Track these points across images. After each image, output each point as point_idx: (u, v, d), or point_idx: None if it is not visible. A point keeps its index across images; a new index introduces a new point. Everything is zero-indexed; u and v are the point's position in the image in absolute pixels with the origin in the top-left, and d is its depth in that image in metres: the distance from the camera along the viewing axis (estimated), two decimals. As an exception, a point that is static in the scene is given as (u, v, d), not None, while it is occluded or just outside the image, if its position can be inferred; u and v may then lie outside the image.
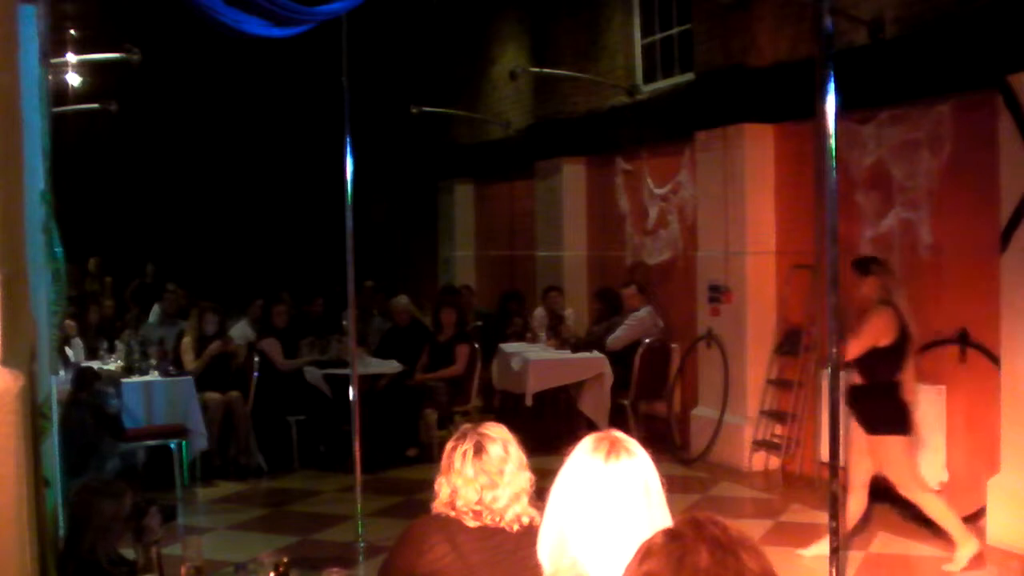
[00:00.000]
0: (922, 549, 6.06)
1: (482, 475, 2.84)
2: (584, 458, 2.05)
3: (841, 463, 4.98)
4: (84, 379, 7.02)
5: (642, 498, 2.00)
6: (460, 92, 13.32)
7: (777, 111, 7.87)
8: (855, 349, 5.51)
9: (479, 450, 2.86)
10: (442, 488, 2.89)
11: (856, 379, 5.67)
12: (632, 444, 2.07)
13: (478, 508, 2.85)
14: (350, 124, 6.22)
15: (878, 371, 5.57)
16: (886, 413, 5.56)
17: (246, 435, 8.34)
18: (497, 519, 2.85)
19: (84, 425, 6.66)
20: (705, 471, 8.12)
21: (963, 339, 6.35)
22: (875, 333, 5.52)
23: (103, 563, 3.75)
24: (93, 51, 9.77)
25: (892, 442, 5.59)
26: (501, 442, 2.89)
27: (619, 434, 2.10)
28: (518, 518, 2.86)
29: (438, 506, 2.90)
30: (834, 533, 4.78)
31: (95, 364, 8.25)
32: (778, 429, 7.99)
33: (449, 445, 2.93)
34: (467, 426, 3.00)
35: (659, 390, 9.05)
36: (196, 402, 7.95)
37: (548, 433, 7.47)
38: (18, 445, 2.70)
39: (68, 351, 8.27)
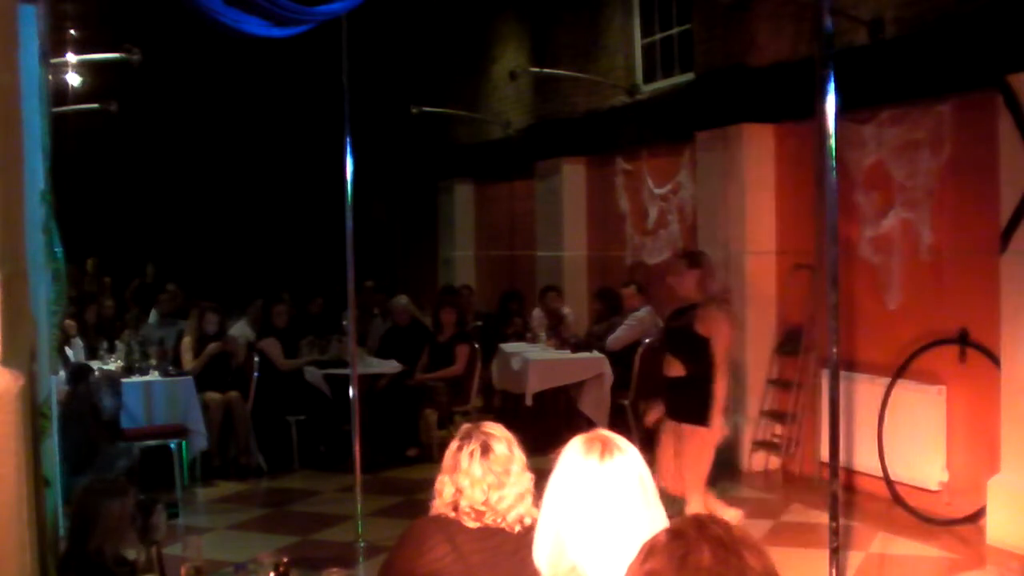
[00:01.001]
0: (922, 549, 6.05)
1: (489, 475, 2.82)
2: (578, 460, 2.04)
3: (841, 463, 4.98)
4: (79, 373, 7.05)
5: (639, 493, 2.01)
6: (460, 92, 13.32)
7: (777, 111, 7.87)
8: (722, 358, 5.52)
9: (486, 450, 2.84)
10: (445, 488, 2.86)
11: (673, 371, 5.75)
12: (621, 441, 2.07)
13: (482, 508, 2.83)
14: (350, 124, 6.22)
15: (699, 365, 5.58)
16: (696, 404, 5.60)
17: (246, 435, 8.33)
18: (499, 519, 2.83)
19: (83, 420, 6.67)
20: (705, 471, 8.10)
21: (963, 339, 6.35)
22: (730, 333, 5.62)
23: (109, 564, 3.73)
24: (93, 51, 9.76)
25: (695, 432, 5.62)
26: (506, 441, 2.88)
27: (606, 432, 2.10)
28: (520, 519, 2.84)
29: (439, 506, 2.88)
30: (834, 533, 4.78)
31: (95, 364, 8.25)
32: (778, 429, 7.98)
33: (454, 445, 2.90)
34: (468, 426, 2.98)
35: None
36: (196, 402, 7.95)
37: (548, 433, 7.44)
38: (18, 445, 2.70)
39: (68, 351, 8.28)
